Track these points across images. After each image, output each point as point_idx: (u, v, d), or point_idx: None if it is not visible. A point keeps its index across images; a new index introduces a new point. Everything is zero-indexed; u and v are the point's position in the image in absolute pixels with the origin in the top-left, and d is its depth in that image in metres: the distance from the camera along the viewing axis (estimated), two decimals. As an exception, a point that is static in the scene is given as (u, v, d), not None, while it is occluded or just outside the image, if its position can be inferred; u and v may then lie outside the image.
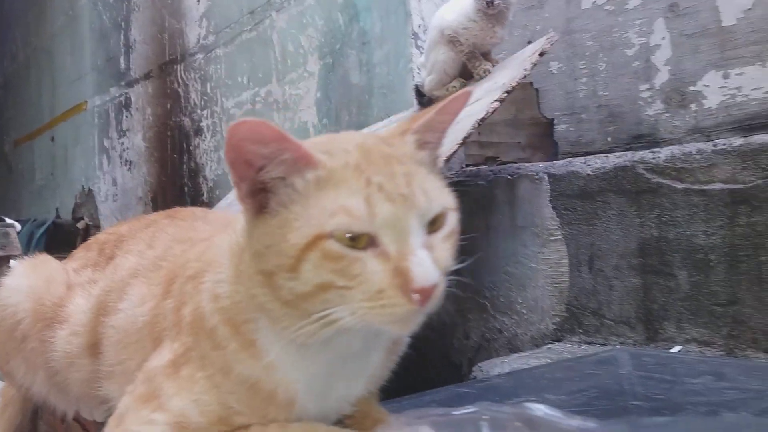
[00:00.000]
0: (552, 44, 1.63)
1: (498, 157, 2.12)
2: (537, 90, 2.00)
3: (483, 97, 1.61)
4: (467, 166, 2.16)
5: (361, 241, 0.59)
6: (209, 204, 3.05)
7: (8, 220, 2.64)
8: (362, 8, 2.28)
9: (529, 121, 2.02)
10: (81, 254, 0.99)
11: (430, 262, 0.59)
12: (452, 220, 0.66)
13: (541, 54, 1.59)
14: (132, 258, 0.88)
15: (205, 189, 3.23)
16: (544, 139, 1.98)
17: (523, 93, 2.02)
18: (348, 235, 0.59)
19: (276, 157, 0.61)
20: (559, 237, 1.69)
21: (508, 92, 1.50)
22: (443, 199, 0.65)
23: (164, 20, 3.55)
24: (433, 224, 0.63)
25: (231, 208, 2.54)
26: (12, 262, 2.54)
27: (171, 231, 0.90)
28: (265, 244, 0.62)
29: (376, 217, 0.59)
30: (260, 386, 0.66)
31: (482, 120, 1.45)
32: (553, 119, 1.95)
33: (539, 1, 2.01)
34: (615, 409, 0.83)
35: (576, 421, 0.64)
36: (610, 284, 1.60)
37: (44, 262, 1.00)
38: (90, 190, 4.53)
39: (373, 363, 0.72)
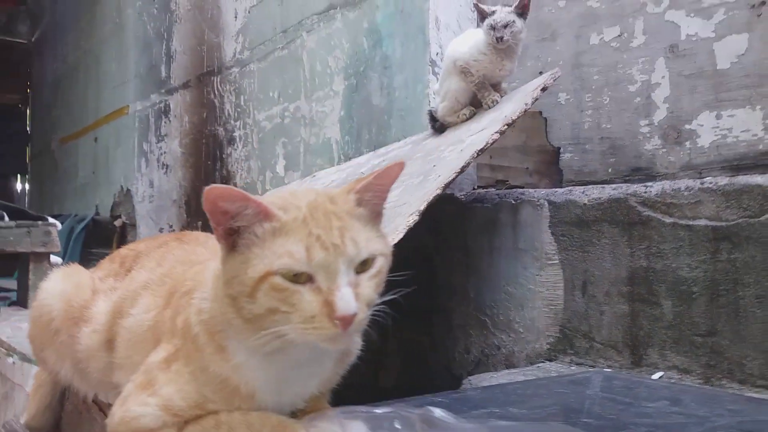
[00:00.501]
0: (555, 80, 1.73)
1: (507, 181, 2.22)
2: (546, 119, 2.09)
3: (488, 127, 1.72)
4: (479, 187, 2.27)
5: (301, 278, 0.75)
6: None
7: (50, 219, 2.84)
8: (385, 34, 2.41)
9: (537, 149, 2.12)
10: (106, 265, 1.16)
11: (352, 297, 0.74)
12: (380, 263, 0.80)
13: (543, 89, 1.69)
14: (144, 273, 1.05)
15: (234, 196, 3.39)
16: (551, 167, 2.07)
17: (533, 121, 2.12)
18: (292, 273, 0.75)
19: (241, 212, 0.77)
20: (556, 261, 1.78)
21: (508, 125, 1.60)
22: (373, 247, 0.79)
23: (204, 33, 3.73)
24: (363, 266, 0.78)
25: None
26: (52, 257, 2.73)
27: (177, 253, 1.05)
28: (233, 275, 0.78)
29: (313, 261, 0.75)
30: (228, 382, 0.83)
31: (481, 150, 1.55)
32: (559, 148, 2.05)
33: (552, 34, 2.11)
34: (562, 425, 0.93)
35: (469, 425, 0.75)
36: (600, 309, 1.68)
37: (76, 271, 1.18)
38: (128, 190, 4.75)
39: (324, 370, 0.88)
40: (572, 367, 1.71)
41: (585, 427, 0.92)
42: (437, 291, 2.13)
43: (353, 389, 1.05)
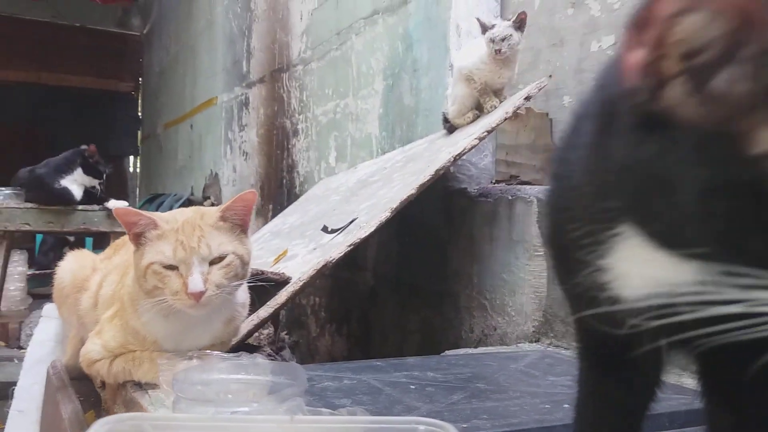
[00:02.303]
0: (540, 90, 1.90)
1: (519, 176, 2.40)
2: (551, 120, 2.26)
3: (477, 132, 1.93)
4: (497, 182, 2.46)
5: (170, 267, 1.11)
6: (300, 195, 3.56)
7: (122, 203, 3.29)
8: (415, 39, 2.64)
9: (543, 147, 2.29)
10: (107, 250, 1.57)
11: (200, 280, 1.09)
12: (230, 259, 1.15)
13: (527, 98, 1.87)
14: (118, 258, 1.47)
15: (297, 182, 3.75)
16: (554, 165, 2.24)
17: (541, 122, 2.29)
18: (164, 264, 1.12)
19: (138, 222, 1.14)
20: (541, 253, 1.97)
21: (488, 131, 1.81)
22: (223, 248, 1.14)
23: (276, 33, 4.09)
24: (217, 260, 1.13)
25: (308, 202, 3.02)
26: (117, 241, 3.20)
27: None
28: (136, 263, 1.16)
29: (176, 257, 1.11)
30: (140, 332, 1.22)
31: (459, 155, 1.77)
32: (560, 147, 2.21)
33: (561, 40, 2.26)
34: (456, 387, 1.17)
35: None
36: (574, 297, 1.86)
37: (82, 254, 1.65)
38: (216, 174, 5.24)
39: (213, 329, 1.25)
40: (549, 349, 1.90)
41: (471, 390, 1.15)
42: (448, 276, 2.37)
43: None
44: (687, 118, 0.44)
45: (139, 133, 8.81)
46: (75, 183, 3.09)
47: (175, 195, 6.25)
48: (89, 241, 5.17)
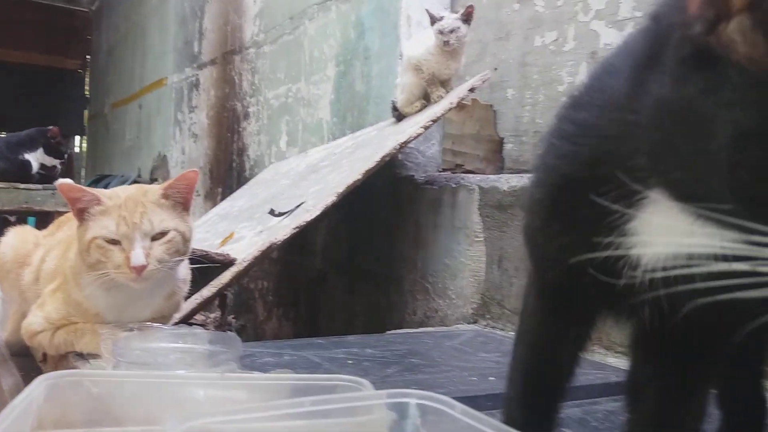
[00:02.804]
0: (484, 82, 1.97)
1: (463, 165, 2.48)
2: (495, 112, 2.33)
3: (422, 121, 1.98)
4: (443, 170, 2.53)
5: (113, 242, 1.14)
6: (250, 178, 3.56)
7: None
8: (367, 27, 2.68)
9: (487, 138, 2.36)
10: (51, 227, 1.56)
11: (142, 255, 1.13)
12: (172, 235, 1.19)
13: (471, 90, 1.94)
14: (61, 234, 1.48)
15: (247, 166, 3.75)
16: (496, 155, 2.32)
17: (485, 113, 2.36)
18: (107, 239, 1.14)
19: (82, 198, 1.16)
20: (481, 239, 2.05)
21: (433, 121, 1.87)
22: (165, 224, 1.18)
23: (229, 14, 4.06)
24: (159, 236, 1.17)
25: (257, 185, 3.03)
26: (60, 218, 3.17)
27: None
28: (79, 238, 1.18)
29: (119, 232, 1.14)
30: (82, 305, 1.25)
31: (405, 143, 1.83)
32: (503, 138, 2.29)
33: (506, 34, 2.33)
34: (391, 362, 1.23)
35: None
36: (510, 281, 1.95)
37: (24, 230, 1.65)
38: (165, 156, 5.18)
39: (154, 303, 1.28)
40: (484, 329, 1.99)
41: (404, 364, 1.22)
42: (394, 260, 2.43)
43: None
44: (743, 57, 0.42)
45: (86, 112, 8.58)
46: (36, 160, 3.12)
47: (122, 176, 6.13)
48: (32, 221, 5.04)
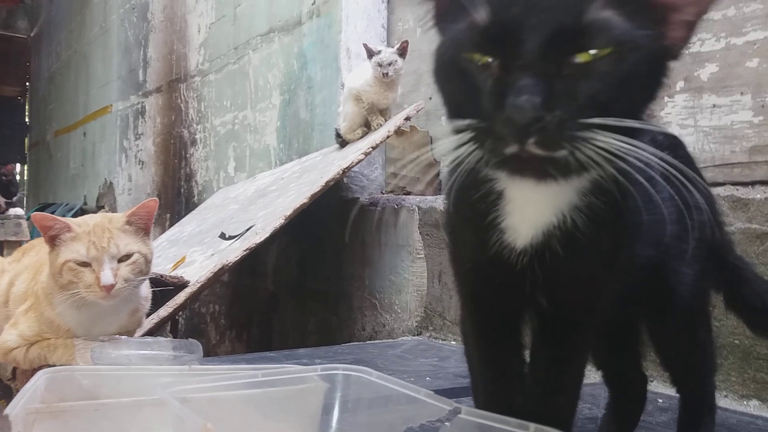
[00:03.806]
0: (418, 111, 2.14)
1: (405, 187, 2.63)
2: (431, 137, 2.50)
3: (363, 147, 2.13)
4: (388, 192, 2.69)
5: (84, 265, 1.26)
6: (198, 204, 3.63)
7: (19, 211, 3.36)
8: (310, 59, 2.82)
9: (425, 162, 2.53)
10: (15, 254, 1.67)
11: (111, 275, 1.25)
12: (136, 257, 1.32)
13: (407, 119, 2.10)
14: (27, 259, 1.59)
15: (196, 191, 3.82)
16: (435, 177, 2.49)
17: (422, 138, 2.53)
18: (78, 261, 1.26)
19: (54, 226, 1.28)
20: (422, 256, 2.20)
21: (373, 147, 2.01)
22: (129, 248, 1.31)
23: (173, 44, 4.14)
24: (125, 258, 1.30)
25: (206, 210, 3.11)
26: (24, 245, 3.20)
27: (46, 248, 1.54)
28: (52, 262, 1.30)
29: (89, 255, 1.27)
30: (54, 322, 1.36)
31: (348, 168, 1.97)
32: (439, 161, 2.46)
33: (440, 64, 2.51)
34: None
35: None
36: (450, 295, 2.10)
37: None
38: (111, 183, 5.18)
39: (120, 318, 1.40)
40: (428, 339, 2.14)
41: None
42: (343, 279, 2.56)
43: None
44: None
45: (27, 140, 8.43)
46: None
47: (66, 204, 6.08)
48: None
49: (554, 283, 0.75)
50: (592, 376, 1.53)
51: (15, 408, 0.71)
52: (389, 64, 2.22)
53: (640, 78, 0.64)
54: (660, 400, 1.35)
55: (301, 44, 2.87)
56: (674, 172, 0.62)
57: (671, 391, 1.10)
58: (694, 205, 0.87)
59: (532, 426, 0.70)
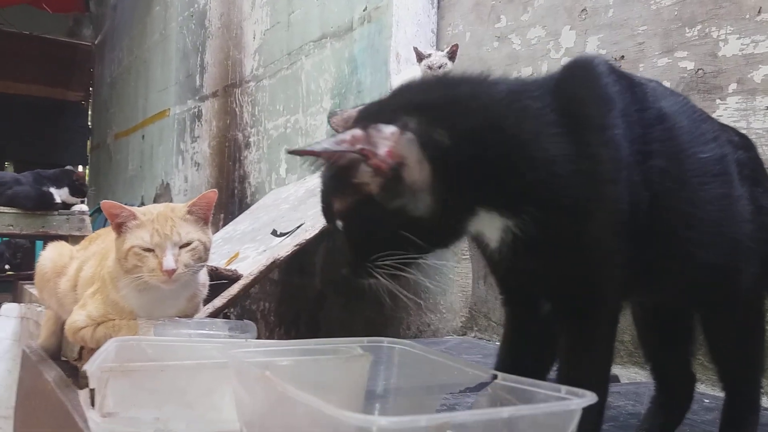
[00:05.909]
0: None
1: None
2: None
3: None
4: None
5: (148, 250, 1.33)
6: (251, 204, 3.74)
7: (84, 207, 3.58)
8: (360, 63, 2.89)
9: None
10: (82, 242, 1.76)
11: (172, 260, 1.32)
12: (195, 244, 1.38)
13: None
14: (94, 246, 1.68)
15: (249, 192, 3.94)
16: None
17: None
18: (142, 247, 1.33)
19: (120, 214, 1.36)
20: (467, 257, 2.23)
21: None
22: (190, 236, 1.38)
23: (229, 50, 4.28)
24: (185, 245, 1.36)
25: (258, 210, 3.21)
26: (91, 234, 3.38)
27: (112, 236, 1.63)
28: (118, 248, 1.37)
29: (153, 241, 1.33)
30: (119, 304, 1.43)
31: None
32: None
33: (486, 70, 2.53)
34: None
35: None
36: (496, 295, 2.12)
37: (61, 245, 1.84)
38: (168, 184, 5.37)
39: (179, 303, 1.47)
40: (476, 340, 2.16)
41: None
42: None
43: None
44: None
45: (89, 142, 8.80)
46: (59, 197, 3.46)
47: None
48: (39, 245, 5.20)
49: (530, 275, 0.92)
50: (636, 375, 1.54)
51: (92, 366, 0.79)
52: (439, 67, 2.26)
53: None
54: (706, 400, 1.35)
55: (352, 49, 2.94)
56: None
57: (719, 393, 1.11)
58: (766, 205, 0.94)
59: (564, 388, 0.75)
